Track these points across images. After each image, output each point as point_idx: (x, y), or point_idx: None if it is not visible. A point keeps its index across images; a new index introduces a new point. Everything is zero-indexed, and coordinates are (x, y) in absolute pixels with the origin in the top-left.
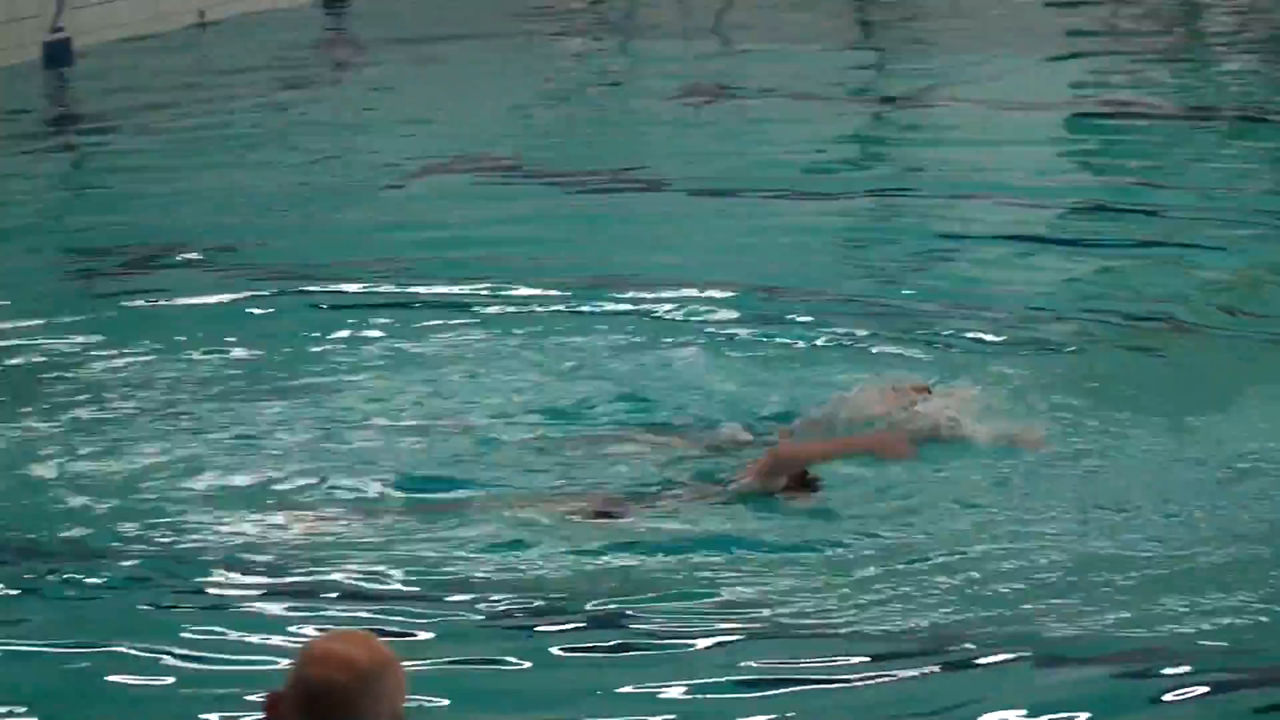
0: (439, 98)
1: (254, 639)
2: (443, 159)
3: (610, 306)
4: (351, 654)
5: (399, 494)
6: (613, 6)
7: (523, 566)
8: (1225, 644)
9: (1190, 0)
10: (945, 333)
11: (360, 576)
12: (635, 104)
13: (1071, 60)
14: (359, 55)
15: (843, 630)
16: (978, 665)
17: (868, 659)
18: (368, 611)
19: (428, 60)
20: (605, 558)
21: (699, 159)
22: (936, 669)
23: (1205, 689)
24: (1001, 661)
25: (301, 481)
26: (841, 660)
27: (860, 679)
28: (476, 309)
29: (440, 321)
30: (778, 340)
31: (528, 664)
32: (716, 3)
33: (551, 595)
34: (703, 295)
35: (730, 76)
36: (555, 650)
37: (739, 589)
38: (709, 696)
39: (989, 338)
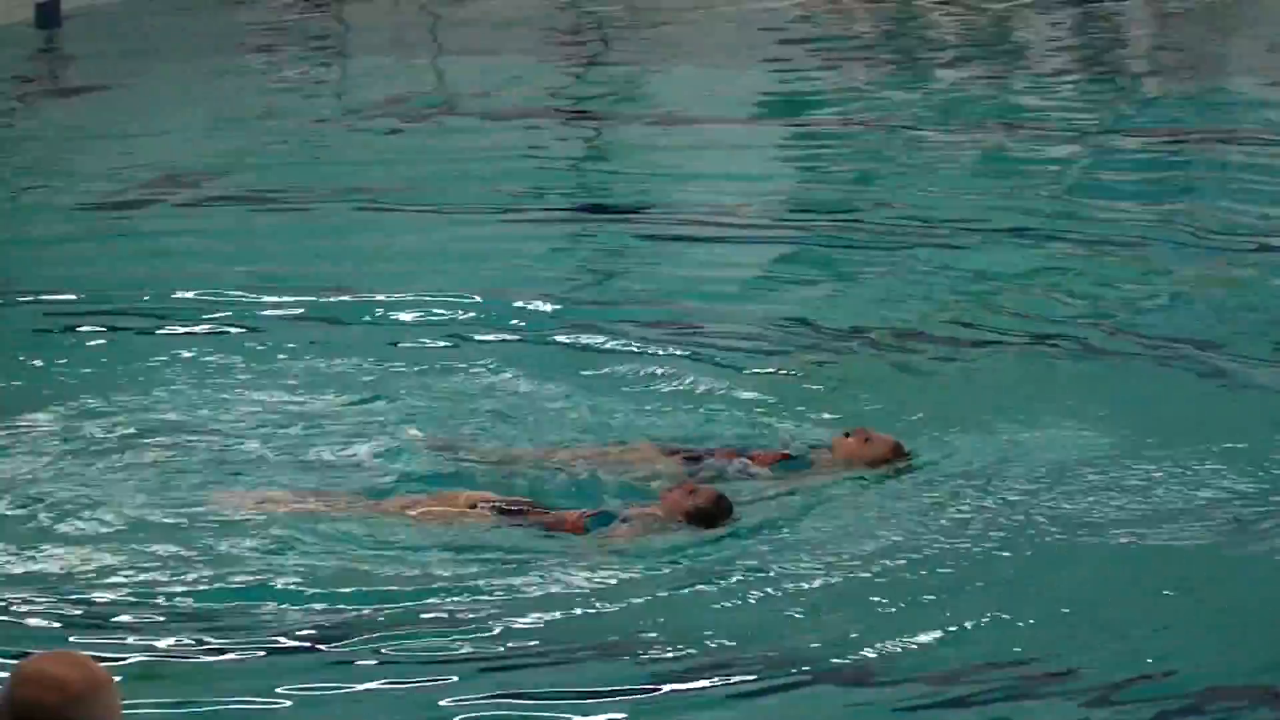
0: (151, 117)
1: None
2: (153, 179)
3: (338, 317)
4: (63, 675)
5: (144, 514)
6: (325, 24)
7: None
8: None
9: (909, 13)
10: (676, 344)
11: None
12: (347, 121)
13: (780, 72)
14: (71, 75)
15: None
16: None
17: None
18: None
19: (139, 80)
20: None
21: (413, 174)
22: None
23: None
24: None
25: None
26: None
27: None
28: (193, 328)
29: (158, 340)
30: (502, 356)
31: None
32: (428, 19)
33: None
34: (427, 306)
35: (444, 92)
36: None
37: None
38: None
39: (716, 350)
